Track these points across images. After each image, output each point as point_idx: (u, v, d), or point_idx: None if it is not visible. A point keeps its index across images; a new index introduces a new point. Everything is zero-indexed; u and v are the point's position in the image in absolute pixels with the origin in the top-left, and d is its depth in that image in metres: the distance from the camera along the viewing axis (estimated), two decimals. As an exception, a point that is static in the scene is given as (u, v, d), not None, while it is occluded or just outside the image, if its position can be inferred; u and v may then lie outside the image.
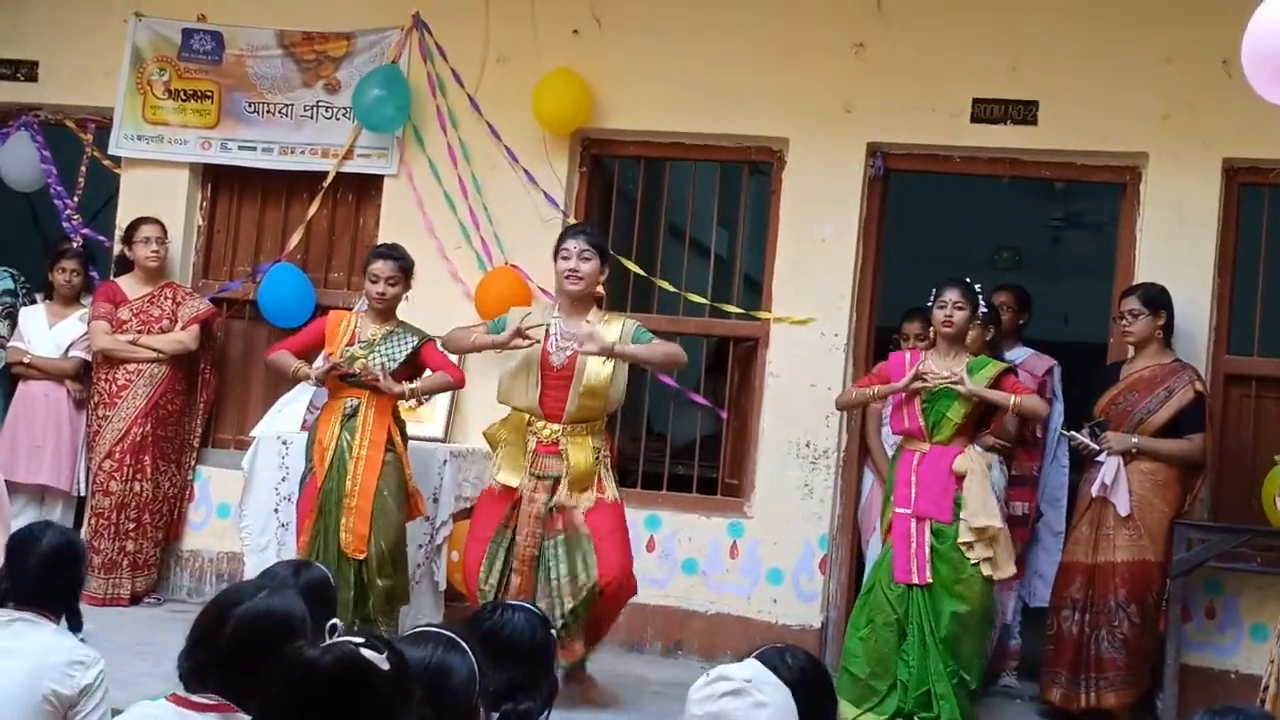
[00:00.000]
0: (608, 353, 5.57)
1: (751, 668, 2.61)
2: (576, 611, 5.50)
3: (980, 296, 5.98)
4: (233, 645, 2.63)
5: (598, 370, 5.60)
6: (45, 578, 3.48)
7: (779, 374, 6.93)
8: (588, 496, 5.60)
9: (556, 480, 5.60)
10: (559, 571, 5.53)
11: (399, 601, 6.01)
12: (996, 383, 5.84)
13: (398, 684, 2.09)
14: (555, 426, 5.63)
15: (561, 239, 5.80)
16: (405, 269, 6.09)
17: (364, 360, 5.92)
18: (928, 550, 5.71)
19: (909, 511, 5.78)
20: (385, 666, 2.07)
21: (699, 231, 7.55)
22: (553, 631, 3.52)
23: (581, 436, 5.64)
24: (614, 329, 5.69)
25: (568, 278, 5.68)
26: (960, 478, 5.75)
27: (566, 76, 7.09)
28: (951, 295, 5.88)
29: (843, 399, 6.33)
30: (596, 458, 5.65)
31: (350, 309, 6.40)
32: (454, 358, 6.15)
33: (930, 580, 5.69)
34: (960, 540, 5.68)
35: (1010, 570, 5.79)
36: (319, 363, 6.05)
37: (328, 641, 2.09)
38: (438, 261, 7.19)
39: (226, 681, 2.55)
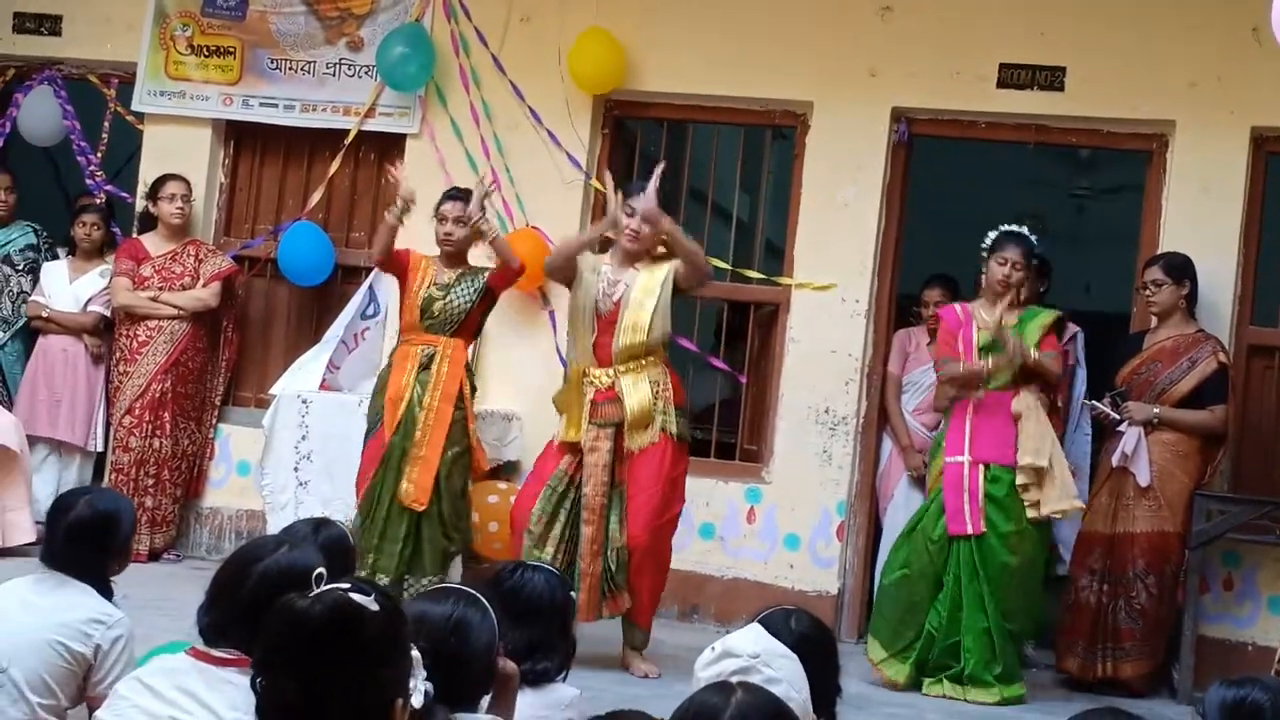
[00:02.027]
0: (656, 220, 5.58)
1: (758, 640, 2.57)
2: (609, 570, 5.52)
3: (1036, 246, 5.95)
4: (253, 600, 2.65)
5: (637, 311, 5.61)
6: (70, 548, 3.49)
7: (799, 340, 6.92)
8: (649, 434, 5.59)
9: (619, 426, 5.59)
10: (612, 526, 5.57)
11: (458, 551, 6.04)
12: (1047, 332, 5.85)
13: (388, 625, 2.15)
14: (610, 370, 5.64)
15: (624, 194, 5.75)
16: (468, 202, 6.03)
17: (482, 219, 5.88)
18: (982, 499, 5.71)
19: (962, 459, 5.77)
20: (375, 609, 2.12)
21: (721, 196, 7.52)
22: (572, 594, 3.54)
23: (636, 373, 5.64)
24: (657, 271, 5.70)
25: (626, 235, 5.70)
26: (1017, 418, 5.75)
27: (601, 37, 7.04)
28: (1013, 253, 5.89)
29: (947, 375, 6.12)
30: (655, 392, 5.63)
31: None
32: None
33: (984, 530, 5.69)
34: (1019, 482, 5.69)
35: (1062, 504, 5.74)
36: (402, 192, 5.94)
37: (315, 590, 2.15)
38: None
39: (246, 636, 2.56)
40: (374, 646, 2.12)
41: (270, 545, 2.86)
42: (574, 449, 5.65)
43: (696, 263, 5.69)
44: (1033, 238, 5.98)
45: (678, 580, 6.79)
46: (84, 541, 3.49)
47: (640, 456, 5.58)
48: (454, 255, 6.05)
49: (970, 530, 5.71)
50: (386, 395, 5.91)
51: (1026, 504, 5.70)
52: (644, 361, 5.66)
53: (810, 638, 2.78)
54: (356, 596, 2.13)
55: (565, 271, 5.81)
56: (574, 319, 5.85)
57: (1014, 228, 6.03)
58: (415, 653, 2.29)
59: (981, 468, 5.75)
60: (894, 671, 5.84)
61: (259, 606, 2.31)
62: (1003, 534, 5.70)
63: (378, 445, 5.88)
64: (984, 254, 5.99)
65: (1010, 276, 5.88)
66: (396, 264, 6.07)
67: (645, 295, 5.65)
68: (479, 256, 6.22)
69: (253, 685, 2.16)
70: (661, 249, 5.78)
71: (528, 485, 5.78)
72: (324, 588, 2.18)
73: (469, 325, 6.03)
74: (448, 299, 5.94)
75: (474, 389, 6.07)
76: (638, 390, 5.61)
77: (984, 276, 5.99)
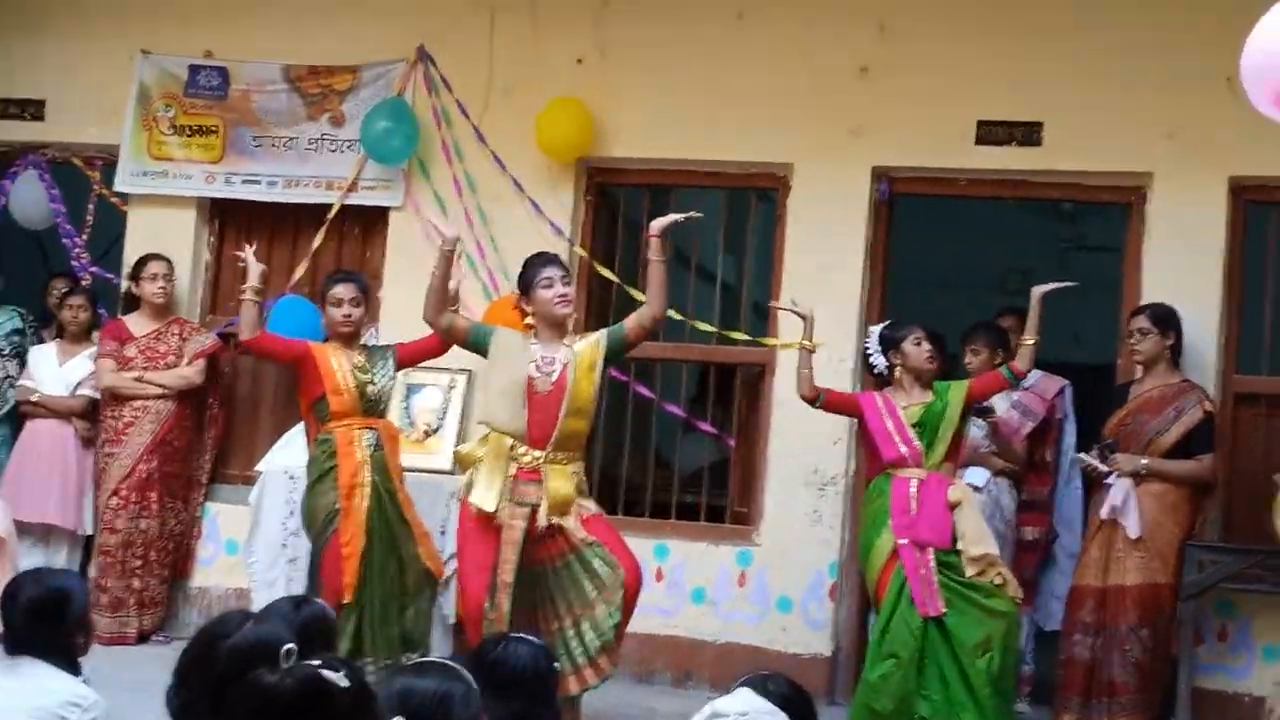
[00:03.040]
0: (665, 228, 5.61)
1: (746, 699, 2.61)
2: (613, 614, 5.43)
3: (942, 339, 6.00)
4: (222, 678, 2.62)
5: (582, 388, 5.56)
6: (30, 628, 3.47)
7: (786, 401, 6.89)
8: (569, 520, 5.51)
9: (535, 508, 5.50)
10: (588, 588, 5.46)
11: (428, 628, 6.00)
12: (969, 392, 5.88)
13: (358, 702, 2.15)
14: (538, 453, 5.56)
15: (536, 269, 5.71)
16: (365, 289, 6.10)
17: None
18: (936, 580, 5.66)
19: (909, 541, 5.70)
20: (344, 684, 2.12)
21: (705, 259, 7.54)
22: (555, 665, 3.51)
23: (562, 464, 5.56)
24: (590, 340, 5.67)
25: (558, 303, 5.64)
26: (953, 506, 5.71)
27: (569, 104, 7.10)
28: (920, 332, 5.92)
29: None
30: (575, 485, 5.58)
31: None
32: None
33: (945, 610, 5.61)
34: (969, 575, 5.61)
35: (1018, 590, 5.72)
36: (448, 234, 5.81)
37: (285, 666, 2.15)
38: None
39: (217, 715, 2.53)
40: None
41: (236, 621, 2.84)
42: (488, 519, 5.51)
43: (663, 298, 5.65)
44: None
45: (670, 647, 6.78)
46: (40, 620, 3.48)
47: (587, 524, 5.52)
48: (350, 337, 6.04)
49: (933, 612, 5.58)
50: (340, 485, 5.78)
51: (991, 579, 5.63)
52: (573, 455, 5.61)
53: (790, 700, 2.78)
54: (326, 672, 2.13)
55: (446, 326, 5.70)
56: (499, 390, 5.63)
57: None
58: None
59: (931, 550, 5.68)
60: None
61: (228, 684, 2.29)
62: (978, 606, 5.60)
63: (339, 546, 5.74)
64: (875, 353, 6.03)
65: (934, 354, 5.90)
66: (288, 352, 6.01)
67: (585, 373, 5.58)
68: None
69: None
70: (575, 314, 5.80)
71: (469, 574, 5.58)
72: (293, 663, 2.17)
73: (389, 404, 6.10)
74: (375, 382, 5.95)
75: None
76: (561, 479, 5.52)
77: (898, 368, 5.97)
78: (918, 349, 5.92)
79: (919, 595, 5.62)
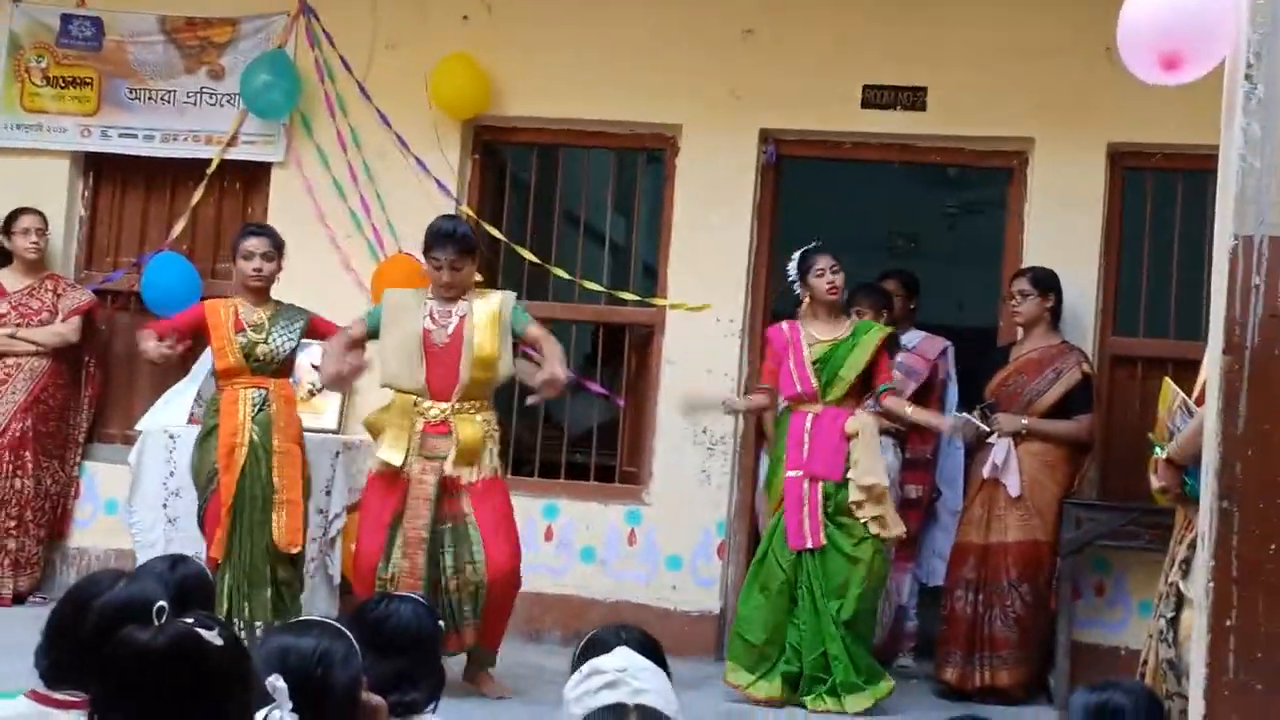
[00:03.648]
0: (558, 387, 5.60)
1: (624, 657, 2.62)
2: (462, 607, 5.48)
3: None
4: (93, 638, 2.56)
5: (485, 340, 5.55)
6: None
7: (676, 361, 6.92)
8: (473, 471, 5.53)
9: (444, 460, 5.52)
10: (446, 562, 5.49)
11: (300, 590, 5.92)
12: (879, 350, 5.95)
13: (232, 659, 2.12)
14: (444, 405, 5.56)
15: (435, 240, 5.68)
16: (279, 245, 5.98)
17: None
18: (821, 514, 5.75)
19: (801, 474, 5.83)
20: (219, 642, 2.09)
21: (595, 219, 7.52)
22: (440, 623, 3.49)
23: (470, 414, 5.57)
24: (492, 302, 5.67)
25: (442, 286, 5.65)
26: (850, 438, 5.80)
27: (464, 61, 7.01)
28: (826, 261, 6.00)
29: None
30: (485, 432, 5.59)
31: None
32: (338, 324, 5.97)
33: (824, 543, 5.74)
34: (851, 500, 5.74)
35: (899, 529, 5.85)
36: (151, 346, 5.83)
37: (157, 624, 2.12)
38: (329, 250, 7.10)
39: (88, 675, 2.48)
40: (217, 679, 2.09)
41: (108, 580, 2.78)
42: (398, 480, 5.53)
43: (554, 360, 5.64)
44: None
45: (560, 605, 6.78)
46: None
47: (478, 494, 5.53)
48: (259, 292, 5.94)
49: (810, 544, 5.76)
50: (220, 444, 5.74)
51: (865, 520, 5.74)
52: (482, 403, 5.63)
53: (644, 646, 2.87)
54: (200, 630, 2.10)
55: (352, 344, 5.74)
56: (396, 347, 5.64)
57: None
58: (281, 684, 2.29)
59: (820, 484, 5.79)
60: (764, 690, 5.84)
61: (100, 643, 2.24)
62: (841, 548, 5.76)
63: (224, 497, 5.70)
64: (794, 280, 6.08)
65: (835, 281, 5.97)
66: (192, 330, 5.95)
67: (488, 326, 5.59)
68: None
69: None
70: (478, 276, 5.79)
71: (366, 529, 5.61)
72: (165, 620, 2.13)
73: (290, 364, 5.96)
74: (269, 341, 5.84)
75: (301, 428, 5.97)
76: (470, 427, 5.54)
77: (806, 298, 6.04)
78: (819, 280, 5.98)
79: (794, 527, 5.75)
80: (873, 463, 5.82)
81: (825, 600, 5.74)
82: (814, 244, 6.09)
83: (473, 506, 5.53)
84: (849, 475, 5.79)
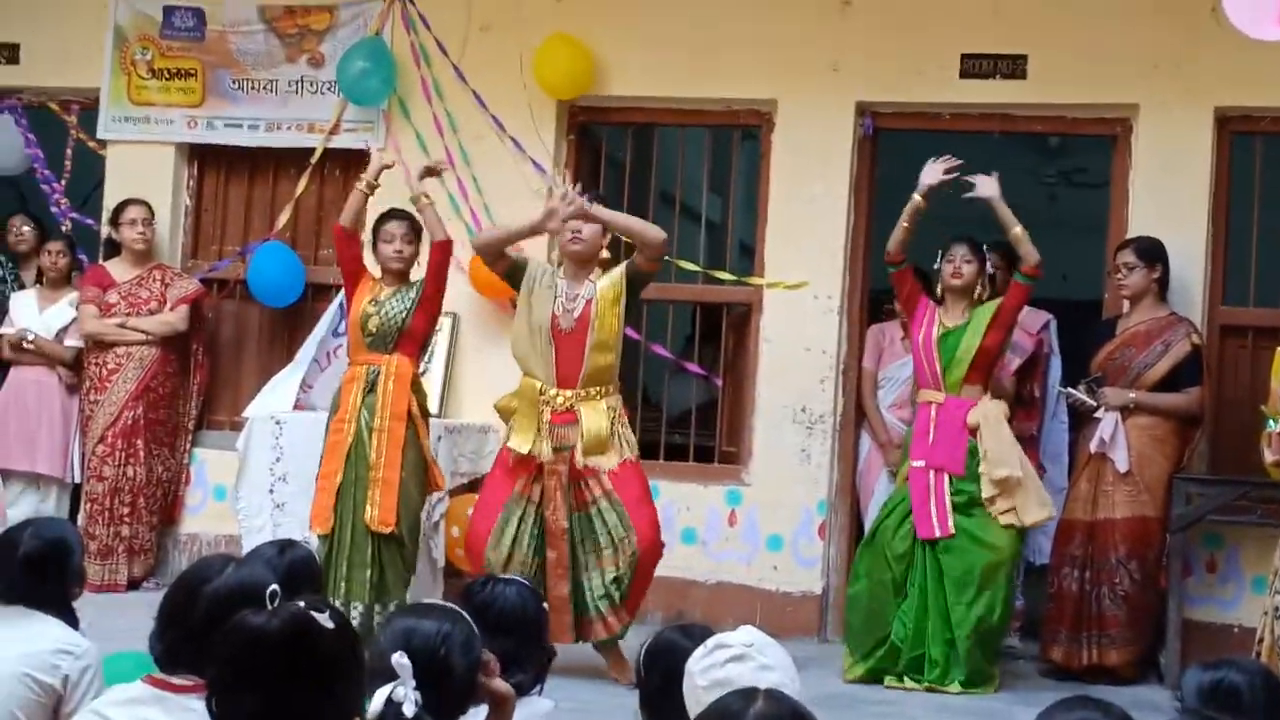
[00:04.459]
0: (581, 213, 5.52)
1: (750, 633, 2.63)
2: (621, 580, 5.50)
3: (986, 253, 5.99)
4: (205, 623, 2.62)
5: (606, 322, 5.54)
6: (26, 581, 3.45)
7: (774, 339, 6.89)
8: (608, 459, 5.55)
9: (573, 450, 5.54)
10: (602, 542, 5.52)
11: (411, 572, 5.96)
12: (998, 312, 5.86)
13: (344, 642, 2.17)
14: (569, 392, 5.57)
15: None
16: (417, 229, 6.00)
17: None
18: (948, 502, 5.70)
19: (924, 464, 5.78)
20: (330, 625, 2.14)
21: (690, 198, 7.50)
22: (544, 605, 3.52)
23: (595, 399, 5.58)
24: (613, 275, 5.65)
25: (571, 240, 5.63)
26: (974, 430, 5.74)
27: (567, 41, 7.01)
28: (960, 250, 5.94)
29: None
30: (612, 419, 5.59)
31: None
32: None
33: (953, 532, 5.69)
34: (985, 496, 5.69)
35: (1040, 514, 5.79)
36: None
37: (271, 607, 2.16)
38: (427, 234, 7.13)
39: (201, 660, 2.54)
40: (331, 661, 2.13)
41: (218, 565, 2.83)
42: (526, 466, 5.56)
43: (645, 235, 5.63)
44: (983, 244, 6.01)
45: (662, 586, 6.75)
46: (39, 572, 3.45)
47: (618, 475, 5.55)
48: (399, 274, 5.98)
49: (939, 533, 5.70)
50: (333, 420, 5.82)
51: (997, 514, 5.67)
52: (605, 388, 5.62)
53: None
54: (313, 613, 2.15)
55: (494, 258, 5.73)
56: (526, 332, 5.66)
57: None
58: (405, 661, 2.34)
59: (946, 475, 5.74)
60: (852, 673, 5.85)
61: (212, 628, 2.29)
62: (972, 535, 5.69)
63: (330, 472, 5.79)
64: (936, 268, 6.00)
65: (961, 269, 5.90)
66: (347, 263, 5.98)
67: (610, 306, 5.58)
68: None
69: (208, 705, 2.14)
70: (606, 254, 5.73)
71: (480, 511, 5.66)
72: (278, 604, 2.18)
73: (411, 339, 5.89)
74: (382, 313, 5.85)
75: (424, 406, 5.96)
76: (596, 414, 5.54)
77: (940, 285, 5.99)
78: (946, 266, 5.96)
79: (922, 517, 5.70)
80: (1003, 452, 5.72)
81: (952, 594, 5.65)
82: (964, 236, 6.04)
83: (613, 485, 5.54)
84: (980, 470, 5.71)
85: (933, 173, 5.89)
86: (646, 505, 5.61)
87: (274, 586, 2.31)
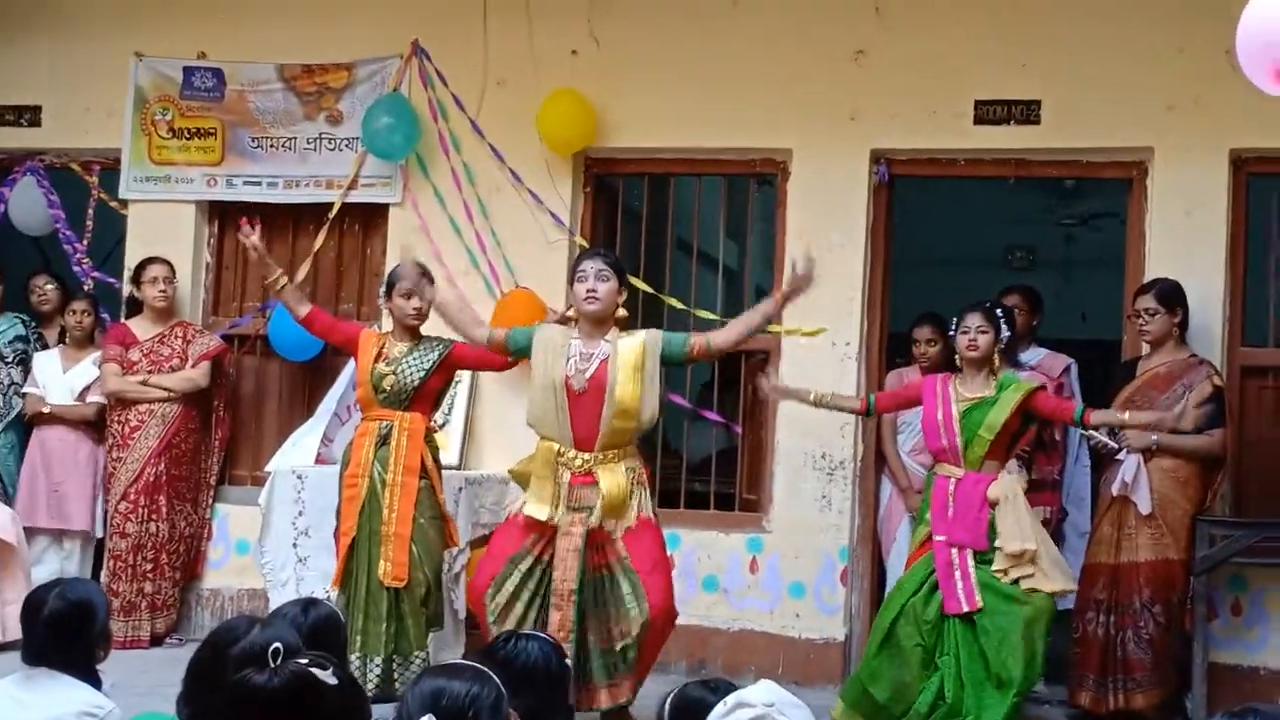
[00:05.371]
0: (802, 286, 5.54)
1: (771, 690, 2.62)
2: (629, 650, 5.36)
3: (1001, 319, 5.88)
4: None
5: (627, 389, 5.41)
6: (52, 642, 3.47)
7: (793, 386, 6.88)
8: (621, 524, 5.43)
9: (590, 509, 5.41)
10: (612, 610, 5.38)
11: (437, 628, 5.96)
12: (1030, 401, 5.74)
13: (348, 699, 2.19)
14: (587, 455, 5.43)
15: (577, 262, 5.66)
16: (433, 283, 5.99)
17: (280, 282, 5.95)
18: (974, 576, 5.62)
19: (945, 539, 5.67)
20: (333, 682, 2.15)
21: (707, 245, 7.53)
22: (567, 661, 3.50)
23: (614, 462, 5.44)
24: (636, 340, 5.52)
25: (586, 299, 5.51)
26: (994, 504, 5.64)
27: (570, 96, 7.08)
28: (974, 320, 5.82)
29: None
30: (631, 480, 5.47)
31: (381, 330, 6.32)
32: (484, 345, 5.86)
33: (982, 605, 5.56)
34: (995, 568, 5.58)
35: (1059, 585, 5.62)
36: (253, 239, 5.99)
37: (273, 665, 2.17)
38: (446, 288, 7.17)
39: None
40: (334, 718, 2.16)
41: (243, 626, 2.85)
42: (539, 527, 5.44)
43: (735, 343, 5.65)
44: (997, 310, 5.93)
45: (683, 635, 6.74)
46: (63, 633, 3.47)
47: (631, 537, 5.43)
48: (412, 330, 5.99)
49: (967, 607, 5.57)
50: (345, 473, 5.82)
51: (1013, 581, 5.57)
52: (625, 451, 5.49)
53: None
54: (315, 670, 2.15)
55: (488, 340, 5.65)
56: (540, 396, 5.51)
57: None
58: None
59: (969, 551, 5.66)
60: None
61: (238, 689, 2.32)
62: (1004, 594, 5.56)
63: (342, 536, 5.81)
64: (952, 334, 5.95)
65: (976, 340, 5.78)
66: (343, 339, 6.05)
67: (630, 373, 5.43)
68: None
69: None
70: (623, 312, 5.63)
71: (485, 565, 5.55)
72: (280, 662, 2.20)
73: (425, 397, 5.90)
74: (397, 372, 5.85)
75: (438, 460, 5.95)
76: (615, 477, 5.41)
77: (957, 357, 5.92)
78: (961, 338, 5.83)
79: (948, 592, 5.61)
80: (1019, 528, 5.58)
81: (996, 658, 5.49)
82: (978, 304, 5.95)
83: (626, 549, 5.42)
84: (995, 544, 5.60)
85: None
86: (660, 573, 5.45)
87: (276, 644, 2.31)
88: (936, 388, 5.88)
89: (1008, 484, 5.71)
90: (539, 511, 5.40)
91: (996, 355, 5.85)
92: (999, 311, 5.90)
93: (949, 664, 5.59)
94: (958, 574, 5.62)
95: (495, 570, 5.47)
